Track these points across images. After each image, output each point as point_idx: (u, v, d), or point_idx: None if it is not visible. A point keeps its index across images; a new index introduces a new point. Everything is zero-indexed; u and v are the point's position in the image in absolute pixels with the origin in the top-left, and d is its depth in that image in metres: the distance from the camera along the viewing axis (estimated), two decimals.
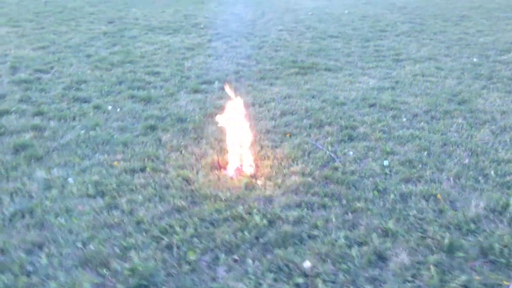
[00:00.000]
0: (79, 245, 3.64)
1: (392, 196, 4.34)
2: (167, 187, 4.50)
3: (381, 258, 3.52)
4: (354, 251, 3.54)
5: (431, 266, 3.40)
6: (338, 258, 3.50)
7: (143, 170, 4.83)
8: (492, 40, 11.40)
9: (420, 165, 4.95)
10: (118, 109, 6.58)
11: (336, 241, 3.68)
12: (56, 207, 4.14)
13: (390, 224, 3.87)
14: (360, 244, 3.66)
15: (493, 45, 10.91)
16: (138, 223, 3.94)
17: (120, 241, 3.67)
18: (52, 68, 8.71)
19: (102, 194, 4.37)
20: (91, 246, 3.62)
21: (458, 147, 5.41)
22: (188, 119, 6.18)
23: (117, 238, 3.73)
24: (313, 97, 7.25)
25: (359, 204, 4.18)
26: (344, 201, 4.27)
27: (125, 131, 5.86)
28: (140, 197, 4.30)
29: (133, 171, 4.81)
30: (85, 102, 6.94)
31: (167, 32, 12.33)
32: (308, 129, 5.96)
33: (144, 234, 3.78)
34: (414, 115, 6.46)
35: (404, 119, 6.24)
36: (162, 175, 4.73)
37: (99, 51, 10.05)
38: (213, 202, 4.23)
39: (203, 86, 7.70)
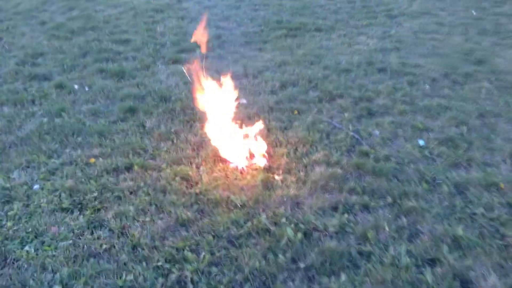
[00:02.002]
0: None
1: (445, 188, 3.52)
2: (163, 191, 3.54)
3: (465, 282, 2.70)
4: (428, 275, 2.70)
5: None
6: (408, 286, 2.66)
7: (129, 168, 3.84)
8: None
9: (465, 144, 4.12)
10: (87, 88, 5.47)
11: (398, 259, 2.83)
12: (21, 230, 3.12)
13: (460, 230, 3.04)
14: (432, 263, 2.82)
15: None
16: (134, 247, 2.98)
17: (115, 281, 2.71)
18: (0, 39, 7.40)
19: (81, 207, 3.37)
20: None
21: (498, 118, 4.61)
22: (173, 97, 5.14)
23: (109, 274, 2.77)
24: (311, 63, 6.30)
25: (410, 203, 3.34)
26: (389, 199, 3.41)
27: (99, 116, 4.79)
28: (131, 208, 3.32)
29: (116, 171, 3.81)
30: (44, 79, 5.78)
31: None
32: (318, 104, 5.03)
33: (144, 264, 2.83)
34: (433, 80, 5.62)
35: (427, 87, 5.38)
36: (155, 174, 3.75)
37: (55, 17, 8.73)
38: (227, 210, 3.30)
39: (182, 54, 6.62)
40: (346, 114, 4.74)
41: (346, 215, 3.23)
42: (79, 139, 4.30)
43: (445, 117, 4.64)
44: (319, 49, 6.92)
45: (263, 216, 3.22)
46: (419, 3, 9.76)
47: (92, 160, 3.94)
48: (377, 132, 4.40)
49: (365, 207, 3.34)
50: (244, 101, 5.05)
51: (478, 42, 7.11)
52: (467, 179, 3.62)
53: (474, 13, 8.87)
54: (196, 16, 8.83)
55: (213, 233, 3.09)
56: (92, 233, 3.11)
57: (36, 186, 3.59)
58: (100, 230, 3.14)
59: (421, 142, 4.19)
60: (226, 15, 8.90)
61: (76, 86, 5.45)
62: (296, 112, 4.83)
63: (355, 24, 8.33)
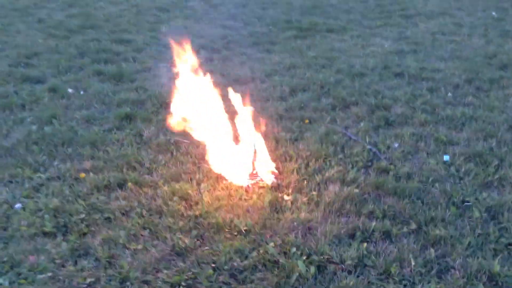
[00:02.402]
0: None
1: (476, 212, 3.11)
2: (159, 212, 3.15)
3: None
4: None
5: None
6: None
7: (122, 185, 3.46)
8: None
9: (495, 160, 3.71)
10: (82, 92, 5.09)
11: None
12: None
13: (496, 266, 2.63)
14: None
15: None
16: (123, 281, 2.60)
17: None
18: None
19: (65, 230, 2.99)
20: None
21: None
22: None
23: None
24: (323, 66, 5.90)
25: (437, 231, 2.93)
26: (413, 225, 3.01)
27: (93, 123, 4.42)
28: (121, 233, 2.94)
29: (108, 188, 3.43)
30: (37, 82, 5.42)
31: None
32: (331, 112, 4.64)
33: None
34: (455, 87, 5.21)
35: (450, 94, 4.96)
36: (150, 192, 3.36)
37: (53, 14, 8.38)
38: (230, 237, 2.91)
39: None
40: (362, 124, 4.34)
41: (365, 244, 2.82)
42: (70, 150, 3.93)
43: (471, 128, 4.23)
44: (331, 51, 6.52)
45: (271, 244, 2.83)
46: (435, 2, 9.36)
47: (82, 175, 3.57)
48: (396, 144, 4.00)
49: (387, 235, 2.93)
50: (250, 108, 4.66)
51: (500, 45, 6.69)
52: (500, 201, 3.21)
53: (494, 14, 8.43)
54: (202, 15, 8.46)
55: (213, 265, 2.70)
56: (75, 263, 2.73)
57: (17, 205, 3.21)
58: (85, 259, 2.76)
59: (446, 158, 3.78)
60: (233, 13, 8.52)
61: (70, 90, 5.08)
62: (307, 121, 4.44)
63: (368, 25, 7.93)
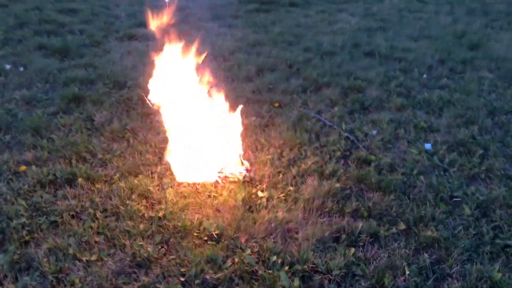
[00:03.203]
0: None
1: (467, 209, 2.86)
2: (115, 214, 2.72)
3: None
4: None
5: None
6: None
7: (70, 181, 2.99)
8: None
9: (479, 150, 3.48)
10: (21, 68, 4.50)
11: None
12: None
13: (496, 273, 2.39)
14: None
15: None
16: None
17: None
18: None
19: (3, 238, 2.52)
20: None
21: (509, 116, 4.00)
22: (130, 83, 4.27)
23: None
24: (290, 44, 5.52)
25: (429, 232, 2.65)
26: (402, 225, 2.73)
27: (35, 106, 3.89)
28: (71, 240, 2.50)
29: (54, 184, 2.96)
30: None
31: None
32: (302, 94, 4.29)
33: None
34: (429, 68, 4.97)
35: (424, 76, 4.71)
36: (105, 188, 2.92)
37: None
38: (200, 243, 2.53)
39: (140, 29, 5.69)
40: (336, 109, 4.03)
41: (352, 250, 2.51)
42: (7, 137, 3.41)
43: (450, 113, 4.00)
44: (297, 27, 6.14)
45: (247, 251, 2.47)
46: None
47: (23, 167, 3.07)
48: (374, 132, 3.70)
49: (375, 237, 2.64)
50: (214, 89, 4.24)
51: (468, 23, 6.52)
52: (490, 197, 2.98)
53: None
54: None
55: (182, 278, 2.32)
56: (15, 279, 2.28)
57: None
58: (28, 275, 2.31)
59: (428, 146, 3.53)
60: None
61: (7, 66, 4.47)
62: (277, 104, 4.07)
63: None
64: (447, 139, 3.60)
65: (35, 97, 4.00)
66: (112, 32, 5.60)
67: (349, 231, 2.66)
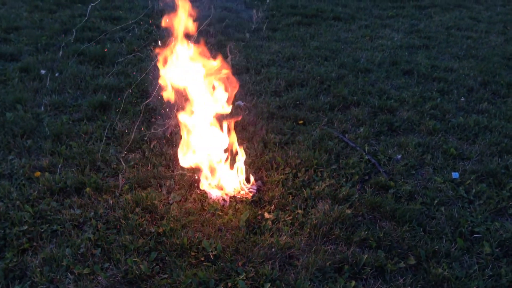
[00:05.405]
0: None
1: (487, 248, 2.64)
2: (116, 227, 2.70)
3: None
4: None
5: None
6: None
7: (79, 190, 3.00)
8: None
9: (511, 182, 3.22)
10: (57, 74, 4.62)
11: None
12: None
13: None
14: None
15: None
16: None
17: None
18: None
19: (3, 245, 2.55)
20: None
21: None
22: (156, 93, 4.27)
23: None
24: (326, 59, 5.40)
25: (440, 269, 2.47)
26: (412, 259, 2.55)
27: (62, 111, 3.97)
28: (67, 251, 2.49)
29: (63, 192, 2.99)
30: (11, 60, 4.96)
31: None
32: (329, 112, 4.16)
33: None
34: (469, 90, 4.70)
35: (462, 99, 4.46)
36: (111, 200, 2.91)
37: None
38: (195, 263, 2.47)
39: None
40: (362, 129, 3.86)
41: (353, 283, 2.37)
42: (29, 142, 3.48)
43: (485, 141, 3.75)
44: (336, 42, 6.00)
45: (242, 276, 2.38)
46: None
47: (37, 173, 3.12)
48: (399, 156, 3.52)
49: (380, 271, 2.48)
50: (240, 103, 4.20)
51: None
52: None
53: None
54: None
55: None
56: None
57: None
58: (20, 284, 2.32)
59: (455, 175, 3.31)
60: None
61: (42, 71, 4.60)
62: (301, 122, 3.96)
63: (379, 14, 7.39)
64: (477, 168, 3.37)
65: (64, 103, 4.08)
66: (151, 41, 5.66)
67: (353, 262, 2.51)
